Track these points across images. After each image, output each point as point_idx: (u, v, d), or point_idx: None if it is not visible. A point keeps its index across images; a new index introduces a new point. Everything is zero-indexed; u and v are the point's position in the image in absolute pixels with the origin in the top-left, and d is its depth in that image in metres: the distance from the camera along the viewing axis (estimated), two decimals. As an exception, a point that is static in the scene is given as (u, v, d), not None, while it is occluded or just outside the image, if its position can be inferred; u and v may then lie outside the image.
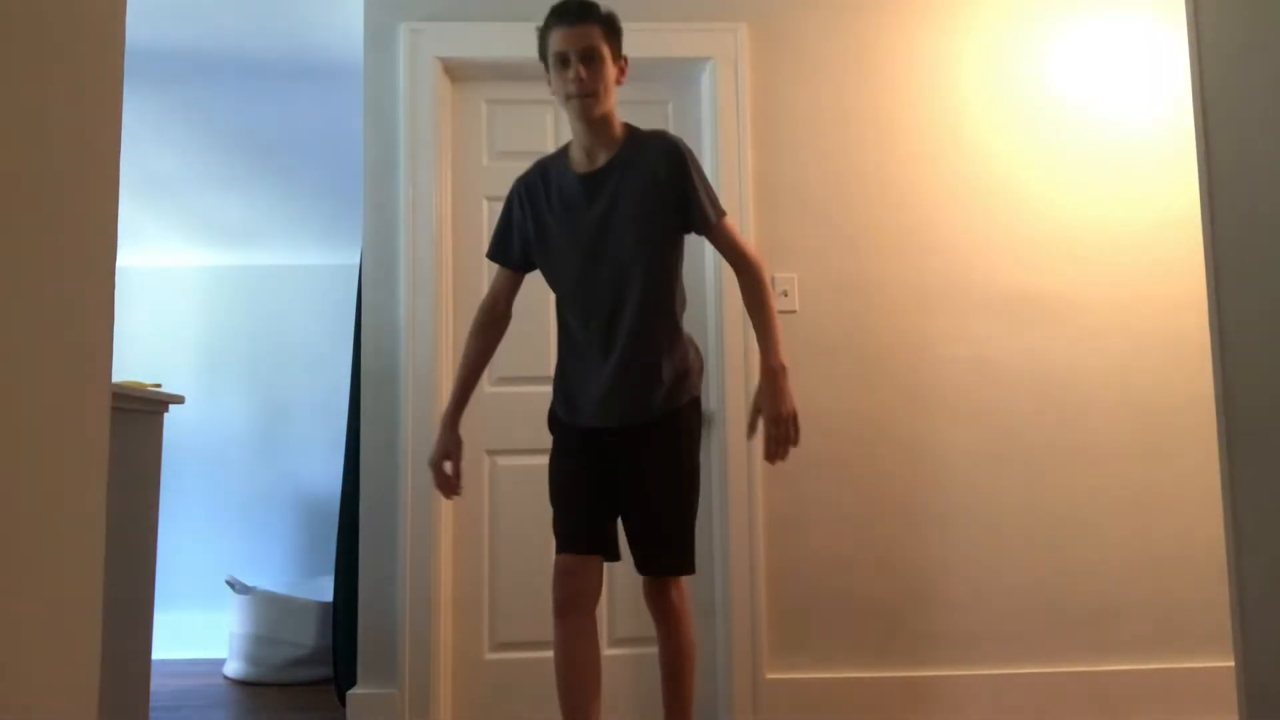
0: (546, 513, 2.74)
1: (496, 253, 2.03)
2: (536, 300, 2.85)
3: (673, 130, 2.90)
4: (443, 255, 2.77)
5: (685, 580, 1.93)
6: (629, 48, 2.80)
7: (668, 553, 1.89)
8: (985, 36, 2.90)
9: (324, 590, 3.75)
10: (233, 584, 3.45)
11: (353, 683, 2.74)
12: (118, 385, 2.12)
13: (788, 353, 2.61)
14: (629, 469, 1.92)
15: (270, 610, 3.38)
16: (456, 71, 2.84)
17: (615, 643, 2.74)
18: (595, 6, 1.85)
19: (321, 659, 3.36)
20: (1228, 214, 1.42)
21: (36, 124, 0.73)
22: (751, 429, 1.91)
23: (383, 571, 2.65)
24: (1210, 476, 2.77)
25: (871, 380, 2.77)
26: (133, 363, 4.23)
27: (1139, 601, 2.72)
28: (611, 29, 1.87)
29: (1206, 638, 2.70)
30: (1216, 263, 1.44)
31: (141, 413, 2.30)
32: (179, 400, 2.46)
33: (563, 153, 1.97)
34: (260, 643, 3.37)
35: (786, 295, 2.77)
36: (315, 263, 4.31)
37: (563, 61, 1.82)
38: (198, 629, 3.94)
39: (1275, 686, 1.31)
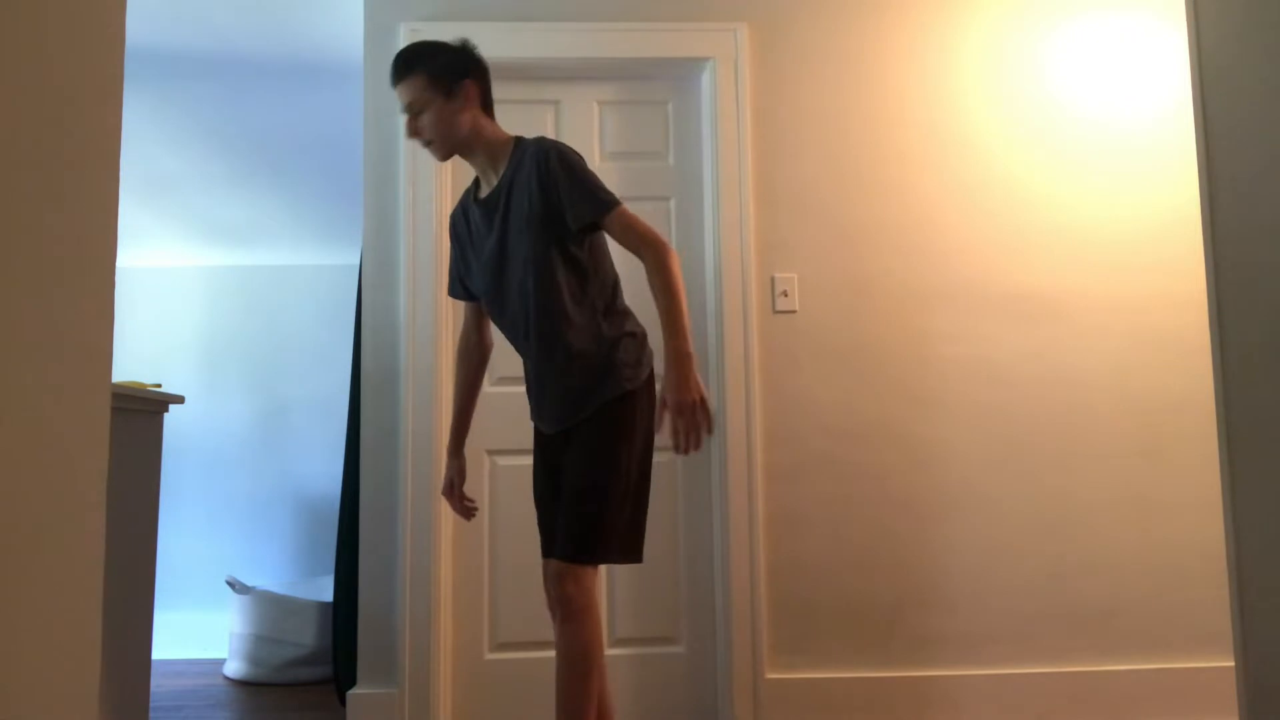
0: None
1: (451, 289, 2.12)
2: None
3: (673, 131, 2.91)
4: (443, 255, 2.77)
5: (588, 574, 1.81)
6: (630, 48, 2.82)
7: (563, 535, 1.82)
8: (985, 36, 2.90)
9: (324, 590, 3.75)
10: (233, 584, 3.45)
11: (353, 683, 2.74)
12: (118, 385, 2.12)
13: (794, 351, 2.63)
14: (562, 466, 1.94)
15: (270, 610, 3.37)
16: (456, 71, 2.84)
17: (615, 643, 2.73)
18: (418, 52, 1.89)
19: (321, 659, 3.35)
20: (1228, 213, 1.42)
21: (36, 124, 0.73)
22: (659, 421, 1.88)
23: (383, 571, 2.65)
24: (1210, 476, 2.77)
25: (871, 380, 2.77)
26: (133, 363, 4.23)
27: (1139, 601, 2.72)
28: (436, 69, 1.88)
29: (1206, 638, 2.70)
30: (1216, 262, 1.44)
31: (141, 413, 2.30)
32: (179, 400, 2.46)
33: (472, 185, 2.05)
34: (260, 643, 3.37)
35: (786, 295, 2.77)
36: (315, 263, 4.31)
37: (407, 112, 1.92)
38: (198, 629, 3.94)
39: (1275, 686, 1.31)
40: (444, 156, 1.94)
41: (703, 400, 1.79)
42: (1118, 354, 2.81)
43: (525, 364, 2.00)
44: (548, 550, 1.95)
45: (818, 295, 2.79)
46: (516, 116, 2.89)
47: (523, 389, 2.77)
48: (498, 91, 2.90)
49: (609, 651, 2.72)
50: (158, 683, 3.37)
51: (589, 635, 1.80)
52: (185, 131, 3.56)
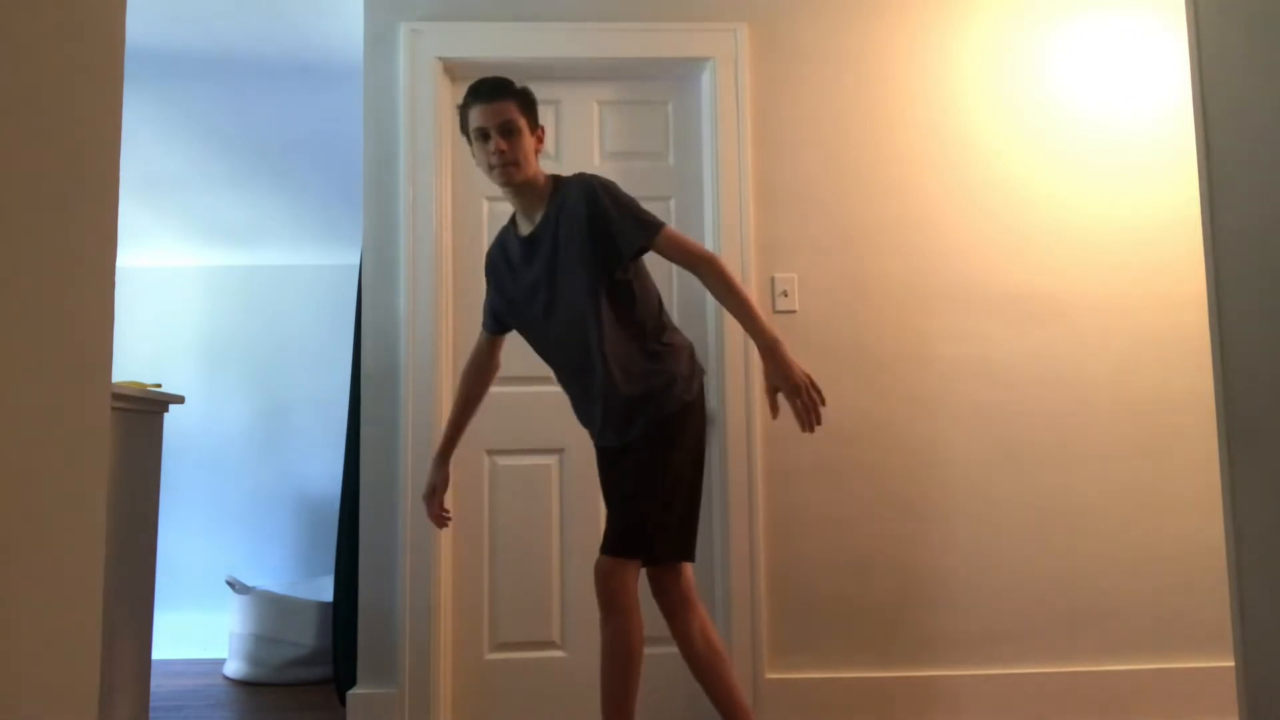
0: (546, 513, 2.76)
1: (486, 324, 2.20)
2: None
3: (672, 131, 2.91)
4: (442, 255, 2.77)
5: (630, 572, 1.92)
6: (630, 48, 2.82)
7: (609, 531, 1.95)
8: (985, 36, 2.89)
9: (324, 590, 3.75)
10: (233, 584, 3.45)
11: (353, 683, 2.74)
12: (118, 385, 2.12)
13: (794, 351, 2.64)
14: (619, 473, 2.05)
15: (270, 610, 3.37)
16: (456, 71, 2.84)
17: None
18: (510, 83, 1.98)
19: (321, 659, 3.35)
20: (1228, 213, 1.42)
21: (36, 124, 0.73)
22: (774, 410, 1.92)
23: (383, 571, 2.65)
24: (1211, 476, 2.77)
25: (872, 380, 2.77)
26: (133, 363, 4.23)
27: (1140, 601, 2.72)
28: (526, 103, 1.99)
29: (1206, 638, 2.70)
30: (1216, 261, 1.44)
31: (141, 413, 2.30)
32: (179, 400, 2.46)
33: (510, 223, 2.10)
34: (260, 643, 3.36)
35: (786, 295, 2.77)
36: (315, 263, 4.30)
37: (483, 136, 1.95)
38: (198, 629, 3.94)
39: (1275, 686, 1.31)
40: (515, 182, 1.96)
41: (809, 378, 1.86)
42: (1118, 354, 2.81)
43: (570, 387, 2.08)
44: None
45: (817, 295, 2.79)
46: (516, 116, 2.88)
47: (522, 389, 2.78)
48: (498, 91, 2.90)
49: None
50: (158, 683, 3.37)
51: (628, 632, 1.90)
52: (185, 131, 3.56)
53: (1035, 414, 2.78)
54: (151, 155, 3.67)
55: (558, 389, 2.77)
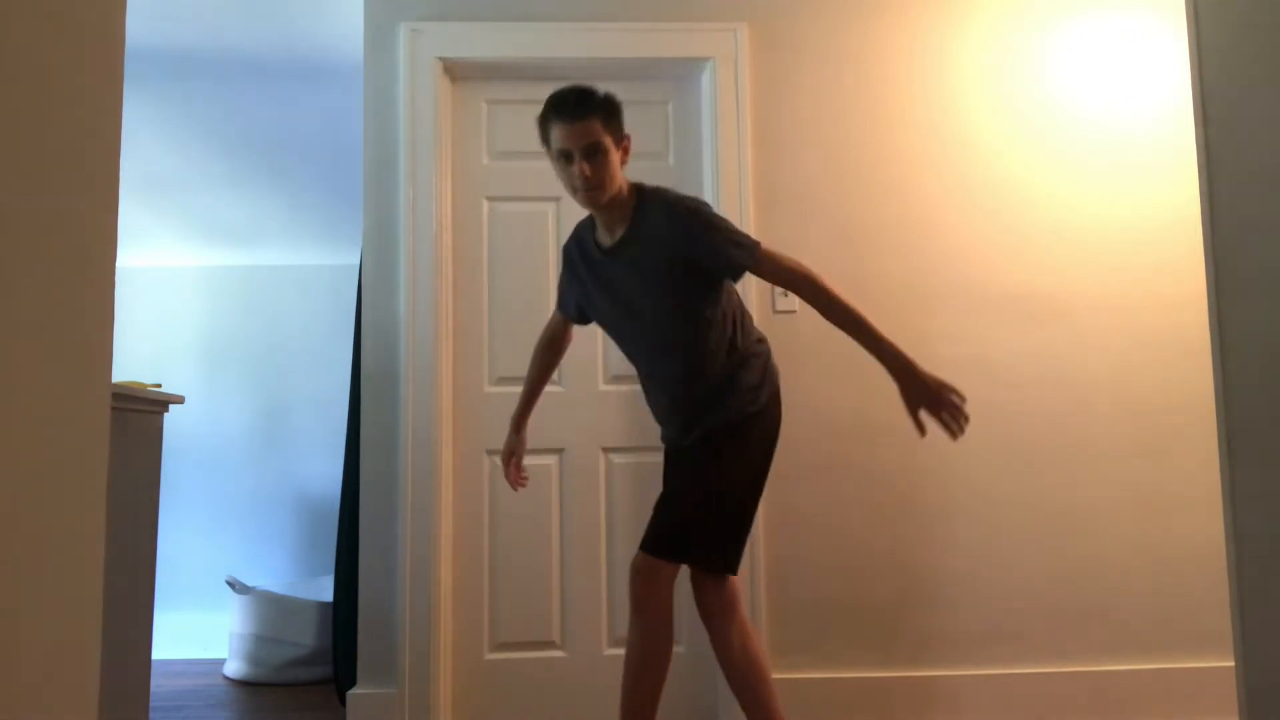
0: (546, 513, 2.76)
1: (563, 305, 2.21)
2: (536, 301, 2.84)
3: (673, 131, 2.91)
4: (443, 255, 2.77)
5: (664, 573, 1.91)
6: (630, 48, 2.82)
7: (650, 529, 1.95)
8: (986, 36, 2.89)
9: (324, 590, 3.76)
10: (233, 584, 3.45)
11: (353, 683, 2.73)
12: (118, 385, 2.12)
13: (794, 351, 2.65)
14: (671, 473, 2.10)
15: (270, 610, 3.37)
16: (456, 71, 2.84)
17: (615, 643, 2.74)
18: (593, 95, 1.88)
19: (321, 659, 3.35)
20: (1227, 213, 1.42)
21: (36, 124, 0.73)
22: (922, 428, 1.85)
23: (383, 571, 2.66)
24: (1211, 476, 2.76)
25: (872, 380, 2.73)
26: (133, 363, 4.23)
27: (1140, 601, 2.72)
28: (610, 114, 1.89)
29: (1206, 638, 2.69)
30: (1216, 262, 1.44)
31: (141, 413, 2.30)
32: (179, 400, 2.46)
33: (590, 223, 2.06)
34: (260, 643, 3.36)
35: (786, 295, 2.76)
36: (315, 263, 4.31)
37: (566, 157, 1.87)
38: (198, 629, 3.94)
39: (1275, 686, 1.31)
40: (600, 204, 1.91)
41: (943, 384, 1.80)
42: (1118, 354, 2.81)
43: (644, 376, 2.10)
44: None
45: None
46: (516, 117, 2.89)
47: (520, 389, 2.78)
48: (498, 91, 2.90)
49: (607, 651, 2.73)
50: (158, 683, 3.37)
51: (654, 633, 1.90)
52: (185, 131, 3.55)
53: (1035, 414, 2.78)
54: (151, 155, 3.67)
55: (558, 390, 2.78)
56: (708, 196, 2.83)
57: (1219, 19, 1.43)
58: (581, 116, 1.84)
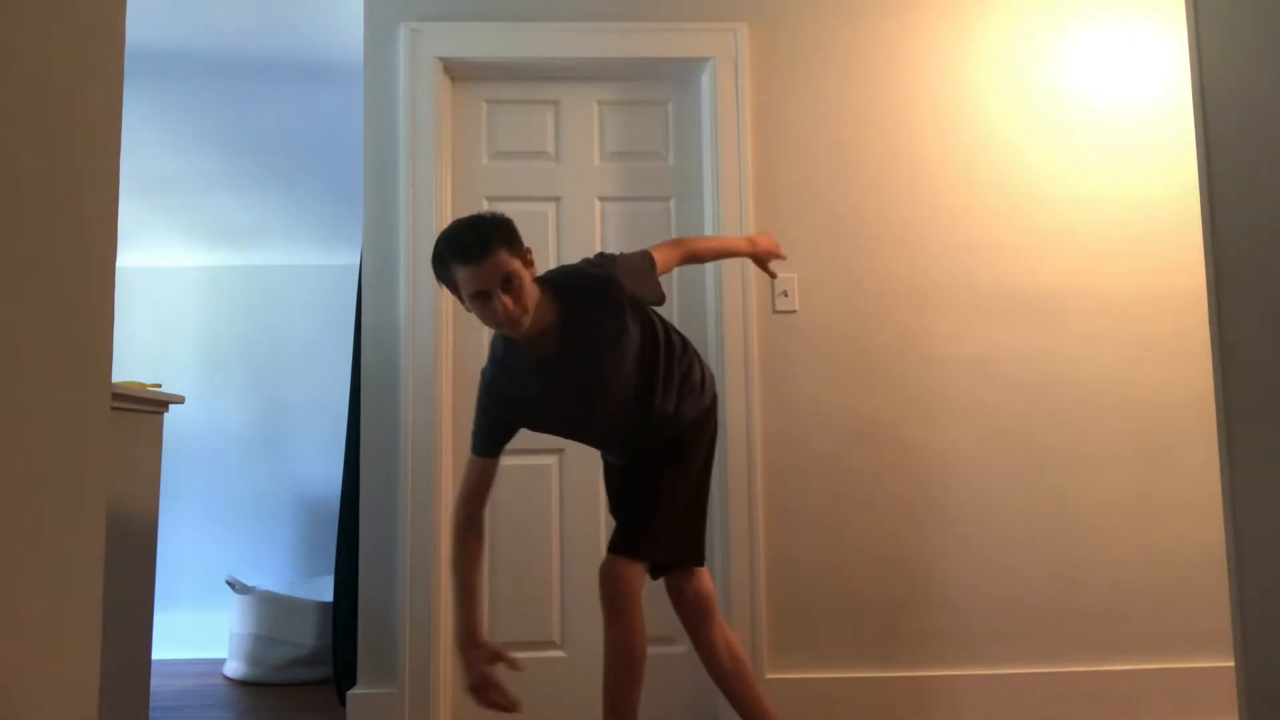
0: (546, 513, 2.75)
1: (479, 447, 1.99)
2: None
3: (673, 131, 2.91)
4: None
5: (633, 574, 1.93)
6: (630, 48, 2.81)
7: (616, 531, 1.99)
8: (988, 35, 2.88)
9: (324, 590, 3.75)
10: (233, 584, 3.45)
11: (353, 683, 2.73)
12: (118, 385, 2.12)
13: (793, 351, 2.67)
14: (630, 475, 2.11)
15: (270, 610, 3.37)
16: (456, 71, 2.84)
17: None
18: (489, 227, 1.79)
19: (321, 659, 3.35)
20: (1228, 213, 1.41)
21: (37, 124, 0.73)
22: (771, 274, 2.31)
23: (383, 572, 2.65)
24: (1211, 476, 2.76)
25: (872, 380, 2.77)
26: (133, 363, 4.22)
27: (1140, 601, 2.71)
28: (509, 237, 1.81)
29: (1206, 638, 2.69)
30: (1216, 261, 1.44)
31: (141, 413, 2.30)
32: (179, 400, 2.46)
33: (510, 345, 1.95)
34: (260, 643, 3.36)
35: (787, 295, 2.77)
36: (315, 263, 4.30)
37: (483, 297, 1.78)
38: (198, 629, 3.93)
39: (1275, 686, 1.30)
40: (525, 329, 1.83)
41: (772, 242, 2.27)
42: (1119, 354, 2.80)
43: (601, 442, 2.12)
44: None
45: (818, 295, 2.79)
46: (517, 117, 2.89)
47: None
48: (498, 91, 2.90)
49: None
50: (158, 683, 3.37)
51: (628, 636, 1.90)
52: (185, 131, 3.55)
53: (1035, 414, 2.78)
54: (151, 155, 3.66)
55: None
56: (707, 197, 2.84)
57: (1218, 20, 1.42)
58: (486, 254, 1.75)
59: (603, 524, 2.77)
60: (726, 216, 2.78)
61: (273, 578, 4.06)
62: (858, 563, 2.71)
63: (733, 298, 2.76)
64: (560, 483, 2.80)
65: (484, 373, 1.99)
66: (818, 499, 2.73)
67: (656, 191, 2.89)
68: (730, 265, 2.76)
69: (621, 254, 1.99)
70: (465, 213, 2.76)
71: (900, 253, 2.82)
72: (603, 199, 2.90)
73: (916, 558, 2.72)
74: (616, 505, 2.12)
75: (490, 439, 1.98)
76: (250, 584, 3.71)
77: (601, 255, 1.98)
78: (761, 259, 2.26)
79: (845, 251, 2.82)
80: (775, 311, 2.78)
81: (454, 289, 1.82)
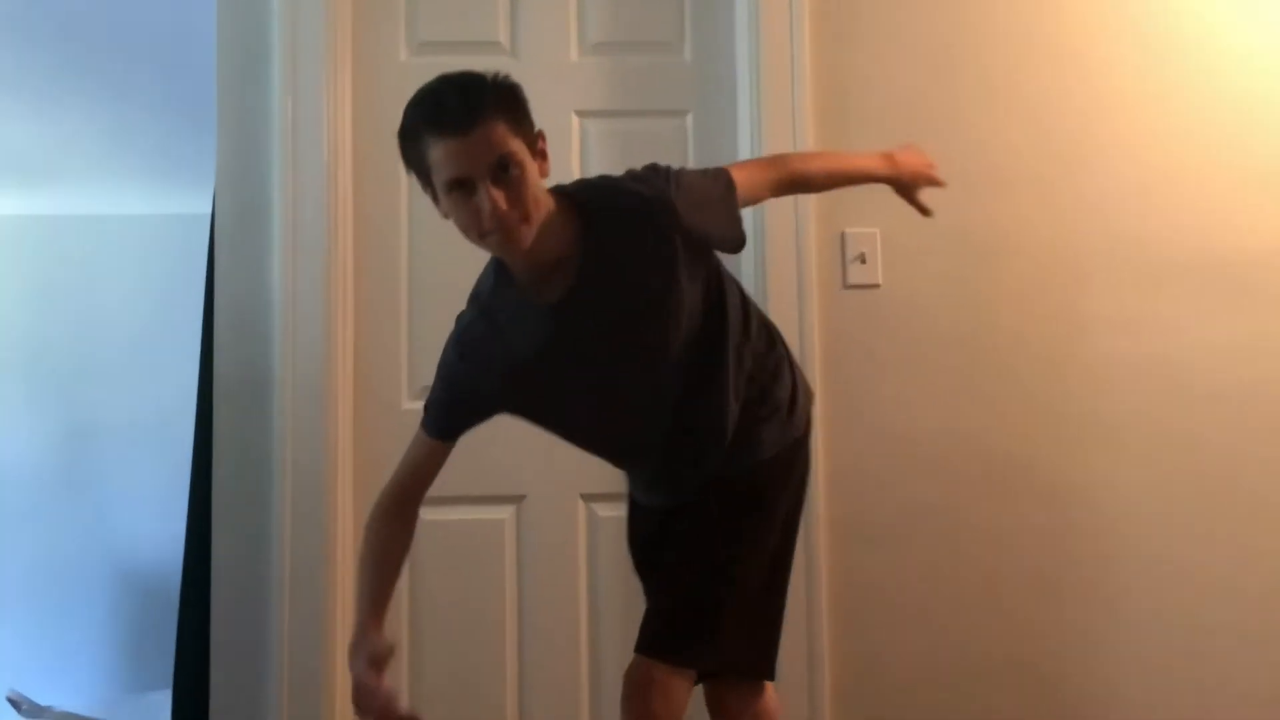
0: (495, 587, 2.81)
1: (442, 425, 2.04)
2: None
3: (689, 11, 2.91)
4: (339, 202, 2.78)
5: (675, 687, 1.94)
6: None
7: (650, 618, 2.01)
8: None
9: (157, 713, 3.67)
10: (16, 702, 3.41)
11: None
12: None
13: (847, 346, 2.78)
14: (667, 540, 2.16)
15: (74, 742, 3.34)
16: (353, -72, 2.88)
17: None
18: (484, 85, 1.78)
19: (153, 817, 3.33)
20: None
21: None
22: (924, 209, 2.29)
23: (247, 682, 2.66)
24: None
25: (995, 393, 2.77)
26: None
27: None
28: (514, 107, 1.81)
29: None
30: None
31: None
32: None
33: (501, 280, 1.96)
34: (61, 790, 3.34)
35: (864, 262, 2.77)
36: (144, 212, 4.33)
37: (463, 187, 1.77)
38: (-38, 769, 3.91)
39: None
40: (524, 248, 1.81)
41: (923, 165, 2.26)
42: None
43: (631, 471, 2.18)
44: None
45: (912, 262, 2.77)
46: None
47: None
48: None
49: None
50: None
51: None
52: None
53: (1247, 444, 2.77)
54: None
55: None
56: (743, 109, 2.81)
57: None
58: (475, 123, 1.73)
59: (582, 603, 2.80)
60: (771, 139, 2.74)
61: (78, 693, 4.05)
62: (971, 669, 2.71)
63: (781, 266, 2.75)
64: (519, 545, 2.82)
65: (460, 319, 2.01)
66: (907, 572, 2.73)
67: (665, 102, 2.89)
68: (779, 217, 2.73)
69: (684, 169, 1.97)
70: (375, 138, 2.82)
71: (1037, 198, 2.81)
72: (583, 114, 2.89)
73: (1059, 664, 2.72)
74: (653, 576, 2.14)
75: (451, 418, 2.02)
76: (43, 703, 3.66)
77: (653, 168, 1.94)
78: (907, 185, 2.24)
79: (952, 194, 2.71)
80: (847, 286, 2.77)
81: (425, 179, 1.83)
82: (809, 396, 2.14)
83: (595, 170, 2.76)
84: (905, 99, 2.80)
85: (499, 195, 1.74)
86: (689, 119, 2.88)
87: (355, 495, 2.74)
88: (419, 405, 2.64)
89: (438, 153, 1.75)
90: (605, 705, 2.72)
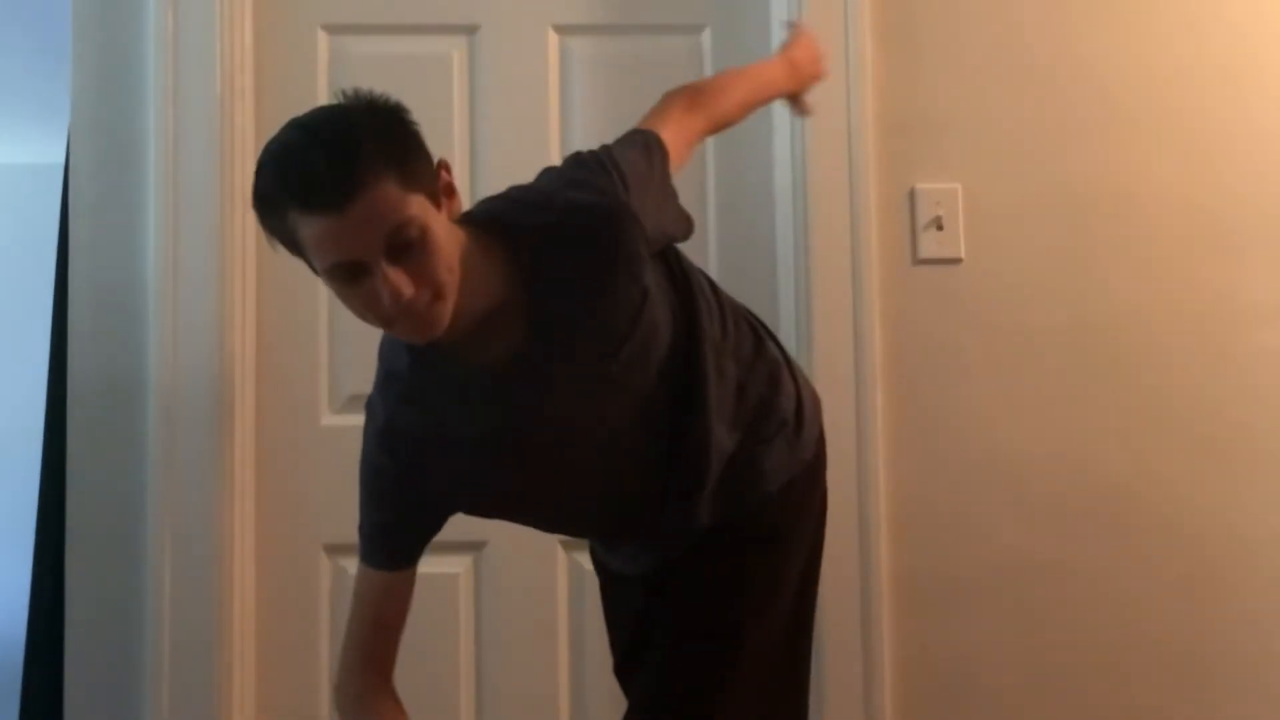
0: (449, 648, 2.84)
1: (389, 554, 2.05)
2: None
3: None
4: (235, 143, 2.75)
5: None
6: None
7: (646, 694, 2.05)
8: None
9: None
10: None
11: None
12: None
13: (919, 335, 2.79)
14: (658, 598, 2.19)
15: None
16: None
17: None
18: (364, 136, 1.68)
19: None
20: None
21: None
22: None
23: None
24: None
25: (1112, 401, 2.76)
26: None
27: None
28: (402, 155, 1.72)
29: None
30: None
31: None
32: None
33: (419, 355, 1.92)
34: None
35: (941, 229, 2.75)
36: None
37: (351, 272, 1.69)
38: None
39: None
40: (442, 327, 1.76)
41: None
42: None
43: (598, 531, 2.23)
44: None
45: (1004, 228, 2.77)
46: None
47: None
48: None
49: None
50: None
51: None
52: None
53: None
54: None
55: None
56: (775, 27, 2.81)
57: None
58: (354, 193, 1.62)
59: (564, 674, 2.82)
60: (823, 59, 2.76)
61: None
62: None
63: (831, 233, 2.75)
64: (476, 603, 2.83)
65: (370, 408, 2.01)
66: (1002, 642, 2.72)
67: (676, 15, 2.92)
68: (827, 168, 2.75)
69: (612, 147, 1.98)
70: (283, 63, 2.92)
71: (1173, 144, 2.81)
72: (562, 30, 2.92)
73: None
74: (633, 648, 2.14)
75: (395, 539, 2.03)
76: None
77: (581, 162, 1.95)
78: (799, 90, 2.39)
79: (1059, 141, 2.81)
80: (918, 261, 2.76)
81: (296, 250, 1.74)
82: (815, 403, 2.16)
83: (581, 117, 2.90)
84: (996, 14, 2.81)
85: (398, 277, 1.66)
86: (705, 35, 2.90)
87: (259, 540, 2.75)
88: (345, 420, 2.75)
89: (310, 231, 1.65)
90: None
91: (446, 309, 1.72)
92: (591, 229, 1.84)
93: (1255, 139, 2.81)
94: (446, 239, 1.72)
